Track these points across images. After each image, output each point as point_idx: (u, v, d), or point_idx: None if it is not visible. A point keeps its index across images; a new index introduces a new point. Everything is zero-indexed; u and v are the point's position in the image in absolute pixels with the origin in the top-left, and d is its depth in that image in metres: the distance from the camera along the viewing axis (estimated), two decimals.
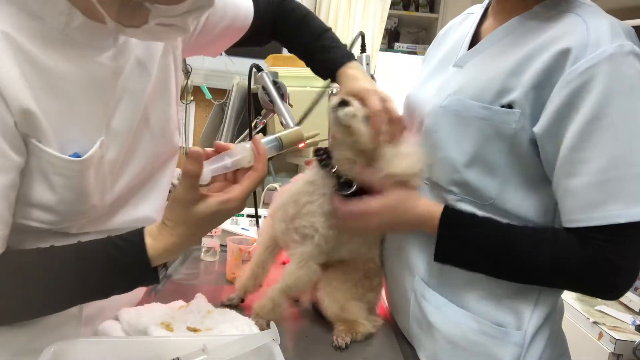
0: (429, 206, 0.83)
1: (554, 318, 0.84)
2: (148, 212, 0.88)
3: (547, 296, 0.82)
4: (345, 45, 1.01)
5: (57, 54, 0.66)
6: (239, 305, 1.02)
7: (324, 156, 0.89)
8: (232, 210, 0.71)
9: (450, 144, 0.82)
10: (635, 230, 0.71)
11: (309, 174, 0.92)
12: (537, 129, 0.74)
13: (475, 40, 0.89)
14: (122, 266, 0.69)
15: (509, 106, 0.76)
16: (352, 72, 0.94)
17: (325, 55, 0.98)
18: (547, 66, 0.73)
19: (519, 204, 0.79)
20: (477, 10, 0.95)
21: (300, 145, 0.88)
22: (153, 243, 0.69)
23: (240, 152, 0.74)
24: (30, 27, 0.64)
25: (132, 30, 0.64)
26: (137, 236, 0.70)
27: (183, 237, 0.70)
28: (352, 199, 0.85)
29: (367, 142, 0.83)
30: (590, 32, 0.71)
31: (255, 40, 1.06)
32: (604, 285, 0.75)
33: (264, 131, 1.45)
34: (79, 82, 0.69)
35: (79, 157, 0.69)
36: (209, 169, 0.71)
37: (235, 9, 0.98)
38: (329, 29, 1.03)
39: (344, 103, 0.81)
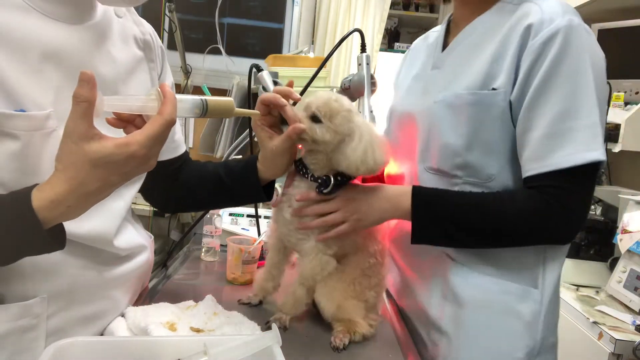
0: (397, 187, 0.93)
1: (557, 282, 0.92)
2: (100, 223, 0.78)
3: (552, 261, 0.90)
4: None
5: (20, 18, 0.66)
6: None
7: (299, 166, 0.94)
8: (131, 156, 0.59)
9: (448, 132, 0.90)
10: (582, 175, 0.81)
11: (298, 179, 0.96)
12: (512, 97, 0.85)
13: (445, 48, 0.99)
14: (6, 220, 0.59)
15: (494, 89, 0.86)
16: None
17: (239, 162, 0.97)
18: (518, 45, 0.84)
19: (520, 177, 0.86)
20: (438, 29, 1.06)
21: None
22: (39, 194, 0.59)
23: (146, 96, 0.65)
24: None
25: None
26: (25, 189, 0.61)
27: (73, 182, 0.59)
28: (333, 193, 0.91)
29: (329, 140, 0.87)
30: (544, 12, 0.84)
31: (163, 185, 1.00)
32: (559, 230, 0.85)
33: None
34: (39, 50, 0.67)
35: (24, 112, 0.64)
36: (106, 100, 0.60)
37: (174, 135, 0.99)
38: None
39: (316, 119, 0.87)
